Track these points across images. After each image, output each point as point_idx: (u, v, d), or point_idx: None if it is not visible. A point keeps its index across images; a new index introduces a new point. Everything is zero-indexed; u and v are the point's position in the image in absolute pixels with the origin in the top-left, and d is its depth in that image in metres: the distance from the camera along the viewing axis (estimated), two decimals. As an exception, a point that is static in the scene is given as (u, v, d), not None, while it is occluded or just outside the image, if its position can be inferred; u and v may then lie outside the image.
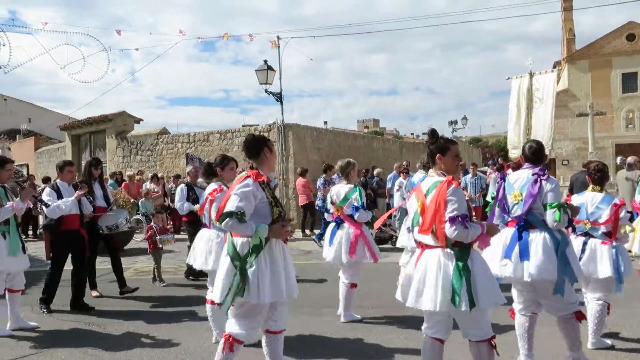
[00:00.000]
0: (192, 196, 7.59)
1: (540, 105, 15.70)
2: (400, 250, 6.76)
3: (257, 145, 3.61)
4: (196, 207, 7.49)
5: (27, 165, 25.82)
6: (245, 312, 3.46)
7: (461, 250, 3.16)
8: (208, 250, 4.82)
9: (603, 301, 4.44)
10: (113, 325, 5.57)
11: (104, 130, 19.22)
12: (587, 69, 35.10)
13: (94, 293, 6.87)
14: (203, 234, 4.99)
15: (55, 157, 21.92)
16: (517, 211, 3.87)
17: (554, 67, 45.22)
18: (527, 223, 3.83)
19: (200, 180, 7.50)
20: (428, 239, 3.24)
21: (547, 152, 15.61)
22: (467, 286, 3.08)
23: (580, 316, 3.87)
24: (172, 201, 10.79)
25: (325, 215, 6.21)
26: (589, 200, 4.49)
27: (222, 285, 3.43)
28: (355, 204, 5.40)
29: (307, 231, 12.87)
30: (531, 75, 15.93)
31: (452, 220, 3.08)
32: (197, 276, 7.78)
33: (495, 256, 3.85)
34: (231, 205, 3.35)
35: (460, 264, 3.12)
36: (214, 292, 3.56)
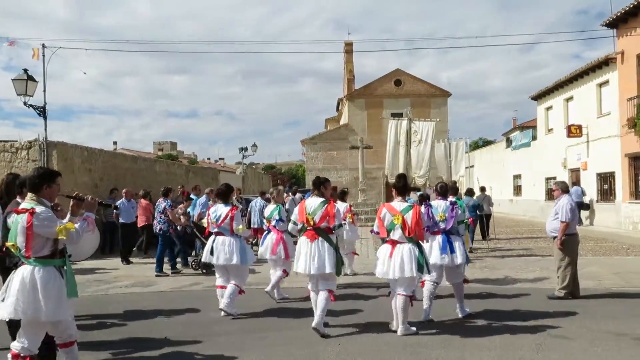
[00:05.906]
0: None
1: (419, 145, 19.52)
2: None
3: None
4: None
5: None
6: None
7: (420, 245, 5.69)
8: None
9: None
10: None
11: None
12: (364, 107, 39.38)
13: None
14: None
15: None
16: (442, 225, 6.52)
17: (338, 103, 49.79)
18: (449, 232, 6.55)
19: None
20: (402, 238, 5.56)
21: (422, 182, 18.69)
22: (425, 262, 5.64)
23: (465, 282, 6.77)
24: None
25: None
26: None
27: (334, 262, 5.75)
28: (277, 217, 7.80)
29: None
30: (410, 119, 19.57)
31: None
32: None
33: (435, 249, 6.47)
34: None
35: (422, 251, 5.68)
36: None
